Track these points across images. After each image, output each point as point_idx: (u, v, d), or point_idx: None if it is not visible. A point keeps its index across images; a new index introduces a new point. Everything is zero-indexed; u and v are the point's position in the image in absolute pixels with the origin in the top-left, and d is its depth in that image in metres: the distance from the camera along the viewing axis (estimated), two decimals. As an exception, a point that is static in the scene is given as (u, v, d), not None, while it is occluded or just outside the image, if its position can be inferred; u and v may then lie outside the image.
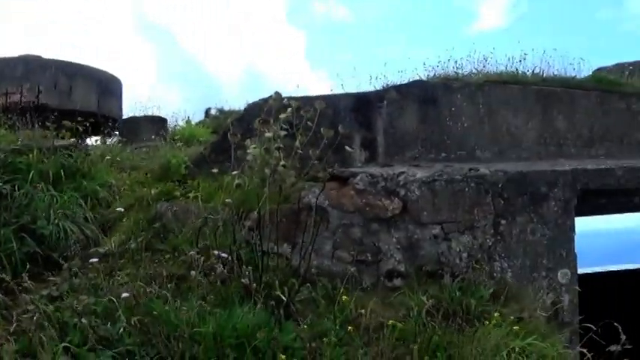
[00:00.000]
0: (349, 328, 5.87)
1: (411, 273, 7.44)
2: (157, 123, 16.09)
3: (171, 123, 17.25)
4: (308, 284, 6.79)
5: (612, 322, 6.59)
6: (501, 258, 7.95)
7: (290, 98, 7.45)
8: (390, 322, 5.85)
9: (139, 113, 17.55)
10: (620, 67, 13.58)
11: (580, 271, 8.50)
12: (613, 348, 6.16)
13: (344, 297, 6.20)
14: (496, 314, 6.46)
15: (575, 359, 7.17)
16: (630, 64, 13.75)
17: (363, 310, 5.98)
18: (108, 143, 13.88)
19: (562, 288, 8.35)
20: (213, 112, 17.30)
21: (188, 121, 16.89)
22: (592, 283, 14.03)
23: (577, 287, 8.52)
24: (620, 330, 6.42)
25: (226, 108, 16.06)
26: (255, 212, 6.81)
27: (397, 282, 7.41)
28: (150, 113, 17.29)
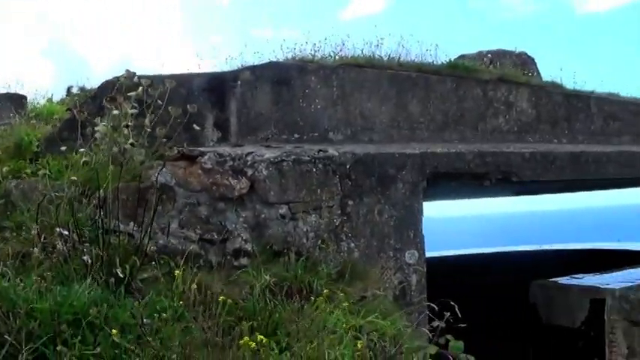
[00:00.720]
0: (184, 304, 5.92)
1: (257, 252, 7.52)
2: (16, 100, 15.64)
3: (34, 101, 16.80)
4: (153, 262, 6.79)
5: (449, 301, 6.85)
6: (348, 238, 8.14)
7: (141, 76, 7.42)
8: (221, 298, 5.91)
9: (1, 91, 17.07)
10: (480, 55, 14.06)
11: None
12: (435, 324, 6.40)
13: (176, 272, 6.23)
14: (326, 291, 6.59)
15: (421, 336, 7.41)
16: (490, 52, 14.27)
17: (194, 286, 6.03)
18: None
19: (410, 268, 8.62)
20: (74, 90, 16.91)
21: (49, 99, 16.48)
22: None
23: (424, 268, 8.81)
24: (457, 308, 6.67)
25: (89, 87, 15.70)
26: (101, 190, 6.76)
27: (244, 261, 7.46)
28: (13, 91, 16.83)
